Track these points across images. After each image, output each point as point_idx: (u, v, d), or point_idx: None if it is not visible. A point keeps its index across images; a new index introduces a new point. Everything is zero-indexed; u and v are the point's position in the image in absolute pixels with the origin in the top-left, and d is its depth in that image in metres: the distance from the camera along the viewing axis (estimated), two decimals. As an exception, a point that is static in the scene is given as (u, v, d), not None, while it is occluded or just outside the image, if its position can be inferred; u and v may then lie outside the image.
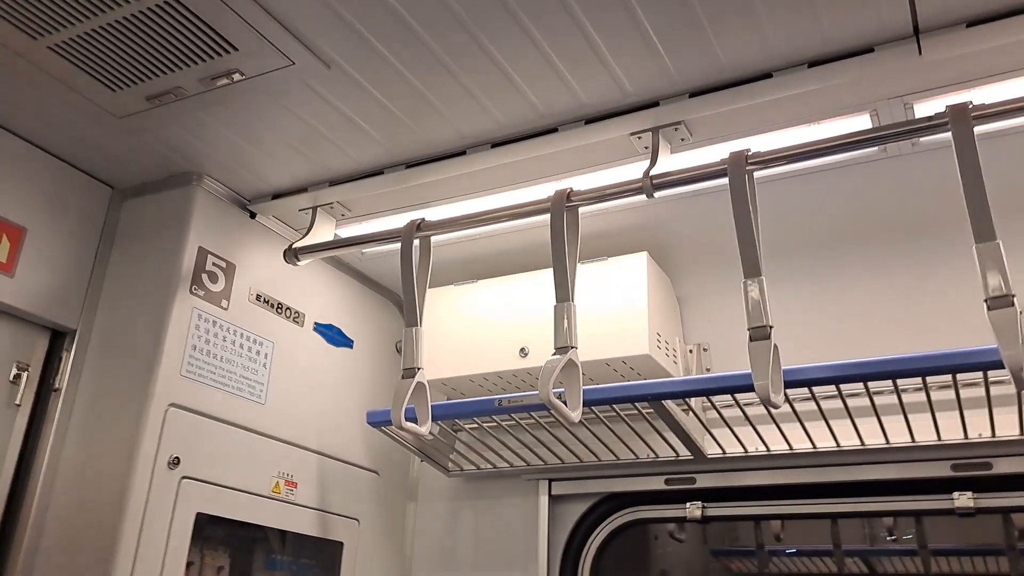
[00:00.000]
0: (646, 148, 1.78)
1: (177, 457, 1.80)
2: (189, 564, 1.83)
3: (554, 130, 1.77)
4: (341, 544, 2.23)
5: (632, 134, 1.76)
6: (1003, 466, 1.84)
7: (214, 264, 1.99)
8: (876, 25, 1.47)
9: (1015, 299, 1.26)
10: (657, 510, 2.23)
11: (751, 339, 1.43)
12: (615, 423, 2.05)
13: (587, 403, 1.80)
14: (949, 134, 1.42)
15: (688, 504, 2.13)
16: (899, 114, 1.66)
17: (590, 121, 1.74)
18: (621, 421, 2.02)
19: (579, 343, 1.59)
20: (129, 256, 2.01)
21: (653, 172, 1.67)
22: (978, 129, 1.41)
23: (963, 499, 1.87)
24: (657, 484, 2.18)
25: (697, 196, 2.00)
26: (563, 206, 1.70)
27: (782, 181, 1.92)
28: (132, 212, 2.07)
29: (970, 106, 1.40)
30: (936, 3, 1.42)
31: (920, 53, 1.49)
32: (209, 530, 1.93)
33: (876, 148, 1.80)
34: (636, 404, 1.89)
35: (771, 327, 1.44)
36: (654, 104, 1.69)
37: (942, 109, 1.44)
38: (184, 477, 1.81)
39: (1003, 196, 1.46)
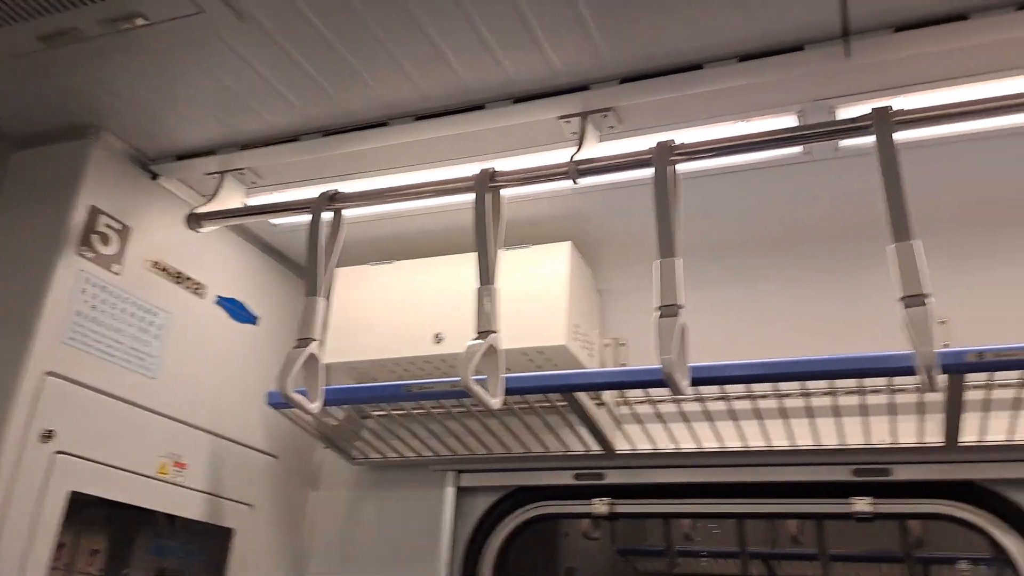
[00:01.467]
0: (574, 133, 1.74)
1: (51, 430, 1.66)
2: (61, 545, 1.69)
3: (481, 107, 1.70)
4: (233, 531, 2.11)
5: (561, 117, 1.71)
6: (902, 473, 1.87)
7: (107, 225, 1.85)
8: (806, 23, 1.46)
9: (930, 299, 1.26)
10: (565, 505, 2.19)
11: (660, 316, 1.39)
12: (527, 415, 2.00)
13: (499, 392, 1.74)
14: (872, 139, 1.43)
15: (596, 500, 2.10)
16: (825, 117, 1.67)
17: (519, 100, 1.68)
18: (533, 413, 1.97)
19: (503, 330, 1.53)
20: (14, 211, 1.85)
21: (579, 157, 1.63)
22: (901, 137, 1.42)
23: (862, 504, 1.89)
24: (566, 479, 2.14)
25: (624, 188, 1.97)
26: (487, 185, 1.64)
27: (709, 179, 1.91)
28: (20, 164, 1.91)
29: (891, 109, 1.41)
30: (868, 5, 1.42)
31: (848, 55, 1.49)
32: (88, 511, 1.79)
33: (801, 150, 1.80)
34: (549, 395, 1.85)
35: (681, 307, 1.41)
36: (584, 88, 1.65)
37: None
38: (58, 452, 1.67)
39: (922, 208, 1.47)
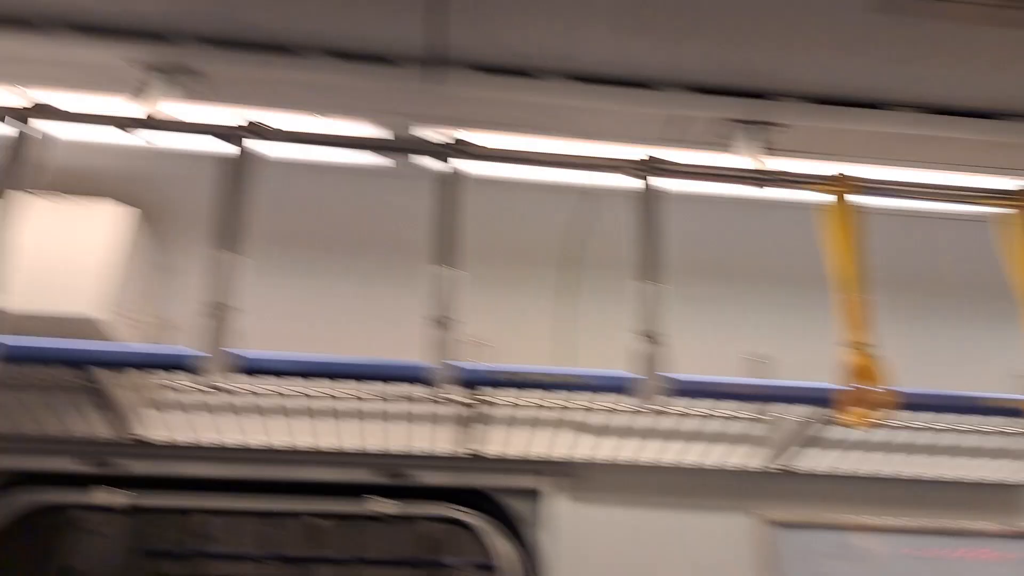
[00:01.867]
0: (146, 84, 1.57)
1: None
2: None
3: (27, 23, 1.45)
4: None
5: (137, 64, 1.54)
6: (419, 477, 1.98)
7: None
8: (395, 40, 1.51)
9: (452, 322, 1.40)
10: (74, 495, 1.93)
11: (204, 316, 1.38)
12: (28, 391, 1.73)
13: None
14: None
15: (99, 490, 1.89)
16: (415, 135, 1.72)
17: (77, 28, 1.47)
18: (41, 389, 1.72)
19: (13, 288, 1.38)
20: None
21: (144, 112, 1.49)
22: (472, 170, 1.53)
23: (380, 505, 1.97)
24: (78, 466, 1.89)
25: (209, 161, 1.82)
26: (22, 118, 1.41)
27: (297, 169, 1.86)
28: None
29: (456, 141, 1.52)
30: (463, 42, 1.51)
31: (434, 82, 1.57)
32: None
33: (386, 163, 1.84)
34: (64, 370, 1.61)
35: (229, 307, 1.39)
36: (162, 37, 1.50)
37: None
38: None
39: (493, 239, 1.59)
